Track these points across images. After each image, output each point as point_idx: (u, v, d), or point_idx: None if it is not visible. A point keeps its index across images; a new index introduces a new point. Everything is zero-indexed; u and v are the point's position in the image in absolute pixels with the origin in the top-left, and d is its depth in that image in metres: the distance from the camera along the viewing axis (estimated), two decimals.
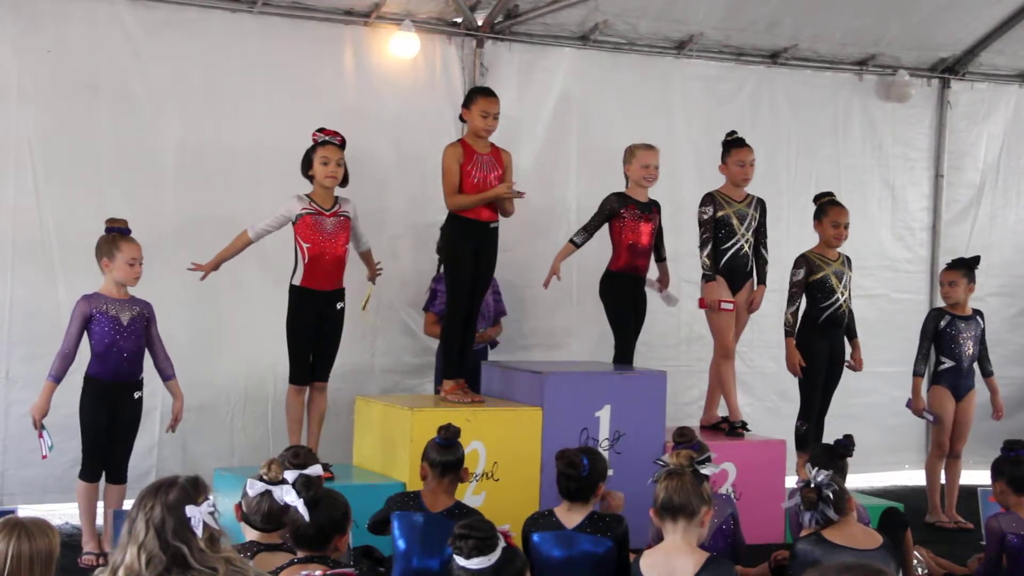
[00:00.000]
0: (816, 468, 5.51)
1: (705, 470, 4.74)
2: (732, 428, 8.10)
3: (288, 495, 4.47)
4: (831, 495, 5.37)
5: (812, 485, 5.40)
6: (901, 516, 6.70)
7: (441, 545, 5.28)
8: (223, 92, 8.19)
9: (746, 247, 8.14)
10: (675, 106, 9.55)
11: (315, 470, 5.07)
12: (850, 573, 3.21)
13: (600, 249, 8.13)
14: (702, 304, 8.13)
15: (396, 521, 5.67)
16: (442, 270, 8.28)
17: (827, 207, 8.27)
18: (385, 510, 5.77)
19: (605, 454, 7.30)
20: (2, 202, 7.70)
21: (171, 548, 3.45)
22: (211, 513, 3.53)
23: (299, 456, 5.34)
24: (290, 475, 5.00)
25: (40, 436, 6.77)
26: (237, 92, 8.23)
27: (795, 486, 5.75)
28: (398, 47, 8.58)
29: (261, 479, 4.53)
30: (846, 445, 6.34)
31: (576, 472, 5.53)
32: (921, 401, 8.50)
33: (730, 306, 8.03)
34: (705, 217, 8.08)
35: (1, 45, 7.68)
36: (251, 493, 4.48)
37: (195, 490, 3.55)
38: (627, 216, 7.97)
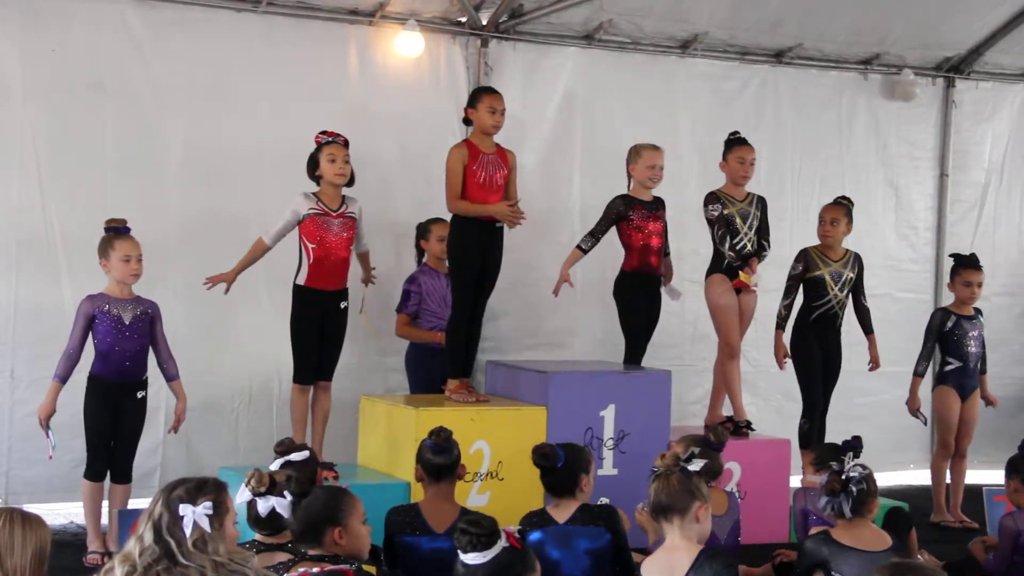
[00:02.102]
0: (855, 462, 5.50)
1: (692, 467, 4.77)
2: (737, 428, 8.09)
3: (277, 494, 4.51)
4: (855, 492, 5.34)
5: (843, 476, 5.38)
6: (906, 516, 6.68)
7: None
8: (227, 92, 8.20)
9: (749, 246, 8.13)
10: (679, 105, 9.55)
11: (299, 455, 5.07)
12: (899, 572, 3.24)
13: (603, 249, 8.12)
14: (742, 282, 8.03)
15: (401, 547, 5.60)
16: (416, 270, 8.28)
17: (822, 208, 8.37)
18: (388, 533, 5.62)
19: (610, 454, 7.33)
20: (6, 201, 7.71)
21: (163, 542, 3.57)
22: (208, 516, 3.59)
23: (283, 444, 5.37)
24: (276, 463, 5.01)
25: (47, 436, 6.78)
26: (241, 92, 8.24)
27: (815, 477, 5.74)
28: (402, 46, 8.58)
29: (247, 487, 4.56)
30: (854, 446, 6.32)
31: (550, 463, 5.58)
32: (917, 400, 8.51)
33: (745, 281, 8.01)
34: (715, 214, 8.05)
35: (5, 44, 7.70)
36: (238, 500, 4.50)
37: (197, 491, 3.64)
38: (635, 218, 7.95)
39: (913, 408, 8.54)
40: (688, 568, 4.52)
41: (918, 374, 8.53)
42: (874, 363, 8.47)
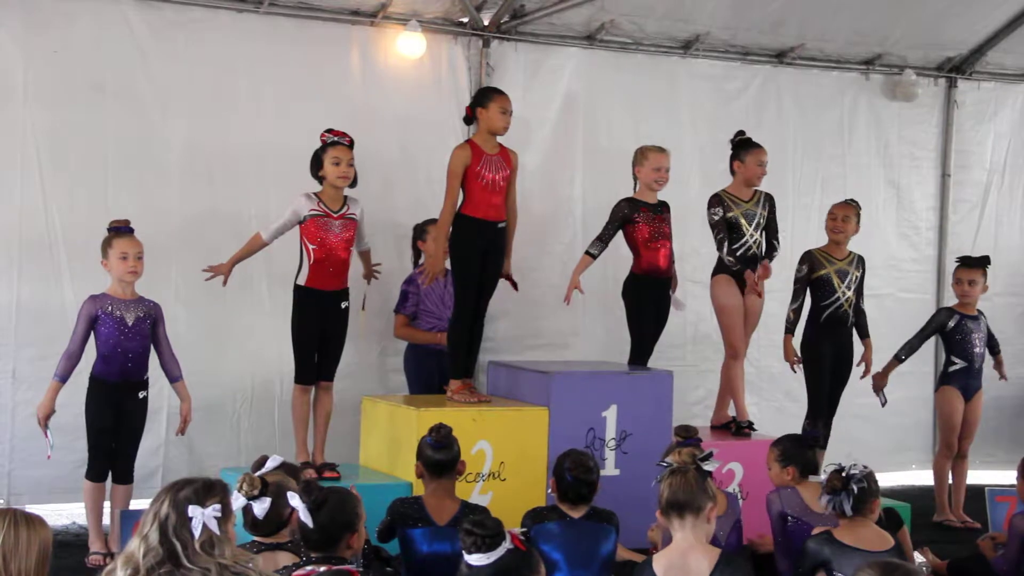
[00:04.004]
0: (855, 460, 5.51)
1: (708, 466, 4.75)
2: (739, 428, 8.09)
3: (293, 499, 4.48)
4: (856, 490, 5.35)
5: (844, 473, 5.39)
6: (896, 515, 6.65)
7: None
8: (229, 92, 8.20)
9: (755, 247, 8.11)
10: (681, 106, 9.55)
11: (273, 462, 5.07)
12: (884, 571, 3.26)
13: (605, 250, 8.10)
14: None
15: (403, 539, 5.61)
16: (414, 271, 8.27)
17: (832, 206, 8.35)
18: (390, 520, 5.71)
19: (612, 454, 7.34)
20: (9, 202, 7.71)
21: (168, 543, 3.52)
22: (216, 517, 3.55)
23: (256, 462, 5.36)
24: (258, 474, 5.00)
25: (45, 436, 6.78)
26: (243, 92, 8.24)
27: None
28: (404, 47, 8.58)
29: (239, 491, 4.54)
30: (815, 436, 6.36)
31: (593, 476, 5.63)
32: (885, 380, 8.48)
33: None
34: (716, 218, 8.02)
35: (8, 46, 7.70)
36: (234, 506, 4.48)
37: (206, 492, 3.60)
38: (641, 220, 7.92)
39: (879, 386, 8.48)
40: (711, 569, 4.49)
41: (898, 358, 8.53)
42: (867, 367, 8.42)
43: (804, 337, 8.25)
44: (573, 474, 5.60)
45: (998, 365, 8.72)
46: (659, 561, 4.57)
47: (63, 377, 6.80)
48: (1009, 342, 10.26)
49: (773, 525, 6.16)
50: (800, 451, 6.27)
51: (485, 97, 7.45)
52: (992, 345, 8.67)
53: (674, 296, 8.26)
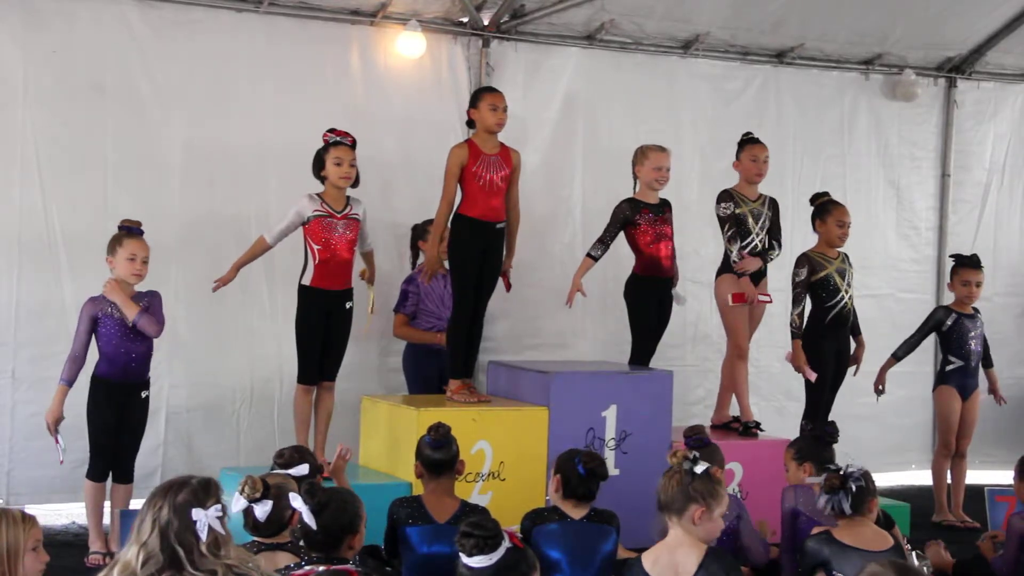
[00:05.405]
0: (851, 460, 5.54)
1: (696, 469, 4.77)
2: (746, 428, 8.07)
3: (295, 501, 4.48)
4: (854, 488, 5.35)
5: (841, 472, 5.40)
6: (886, 515, 6.64)
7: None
8: (229, 92, 8.20)
9: (761, 246, 8.10)
10: (681, 106, 9.54)
11: (300, 470, 5.07)
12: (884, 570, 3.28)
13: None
14: (742, 296, 7.99)
15: (402, 538, 5.61)
16: (414, 270, 8.28)
17: (829, 206, 8.18)
18: (391, 523, 5.68)
19: (611, 454, 7.34)
20: (8, 202, 7.71)
21: (170, 549, 3.45)
22: (219, 517, 3.52)
23: (283, 456, 5.36)
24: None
25: (56, 441, 6.77)
26: (243, 92, 8.24)
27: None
28: (404, 47, 8.58)
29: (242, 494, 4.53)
30: (831, 433, 6.36)
31: (605, 468, 5.60)
32: (882, 379, 8.52)
33: (745, 299, 7.95)
34: (728, 212, 7.98)
35: (7, 46, 7.70)
36: (233, 508, 4.47)
37: (204, 493, 3.54)
38: (642, 221, 7.91)
39: (876, 384, 8.53)
40: (696, 567, 4.51)
41: (895, 356, 8.55)
42: (857, 366, 8.36)
43: (806, 339, 8.20)
44: (587, 466, 5.55)
45: (992, 385, 8.69)
46: (648, 557, 4.61)
47: (70, 381, 6.79)
48: (1009, 342, 10.29)
49: (783, 520, 6.16)
50: (816, 447, 6.27)
51: (475, 97, 7.52)
52: (986, 357, 8.63)
53: (675, 291, 8.26)
